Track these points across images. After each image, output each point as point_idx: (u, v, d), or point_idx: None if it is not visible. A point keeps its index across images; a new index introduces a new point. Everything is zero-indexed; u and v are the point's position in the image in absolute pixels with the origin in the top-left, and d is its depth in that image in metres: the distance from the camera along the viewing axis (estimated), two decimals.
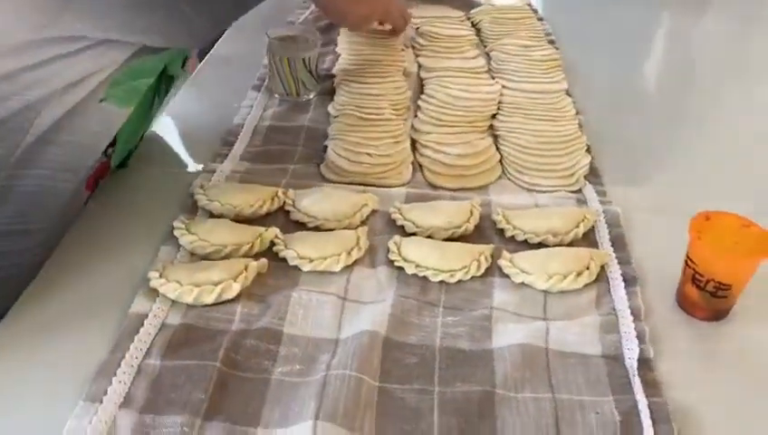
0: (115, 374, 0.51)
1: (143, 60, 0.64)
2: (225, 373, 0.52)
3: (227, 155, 0.78)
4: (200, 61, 1.03)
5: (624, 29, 1.24)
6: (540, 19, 1.19)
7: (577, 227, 0.67)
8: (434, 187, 0.77)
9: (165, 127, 0.85)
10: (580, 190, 0.76)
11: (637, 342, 0.56)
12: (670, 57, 1.22)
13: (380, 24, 1.03)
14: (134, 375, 0.51)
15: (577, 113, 0.90)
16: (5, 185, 0.62)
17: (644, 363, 0.55)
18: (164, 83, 0.74)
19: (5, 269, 0.65)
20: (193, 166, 0.78)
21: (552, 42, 1.11)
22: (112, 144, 0.70)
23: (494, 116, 0.89)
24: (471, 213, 0.69)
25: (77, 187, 0.67)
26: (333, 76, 0.96)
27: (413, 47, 1.07)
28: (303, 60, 0.88)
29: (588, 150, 0.83)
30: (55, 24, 0.55)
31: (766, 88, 1.05)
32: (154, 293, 0.59)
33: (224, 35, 1.05)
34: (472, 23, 1.16)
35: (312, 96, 0.92)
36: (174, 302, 0.58)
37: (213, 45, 1.06)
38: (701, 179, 0.81)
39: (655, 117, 0.96)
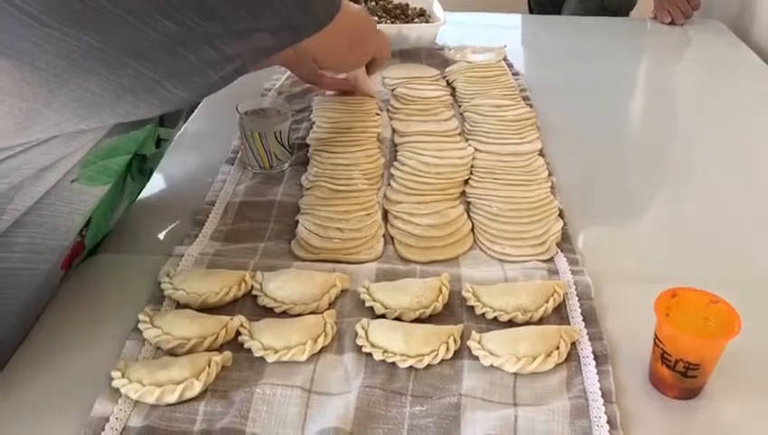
0: None
1: (114, 139, 0.64)
2: None
3: (197, 236, 0.78)
4: None
5: (601, 80, 1.26)
6: (515, 74, 1.21)
7: (546, 302, 0.67)
8: (405, 260, 0.76)
9: (138, 206, 0.85)
10: (551, 259, 0.75)
11: (607, 427, 0.55)
12: (648, 108, 1.22)
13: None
14: None
15: (550, 175, 0.90)
16: None
17: None
18: (136, 163, 0.74)
19: None
20: (164, 249, 0.77)
21: (526, 98, 1.12)
22: (86, 224, 0.70)
23: (467, 181, 0.89)
24: (440, 291, 0.68)
25: (52, 267, 0.67)
26: (308, 145, 0.96)
27: (387, 110, 1.07)
28: (275, 133, 0.89)
29: (560, 214, 0.82)
30: (35, 124, 0.55)
31: (746, 145, 1.05)
32: (117, 392, 0.58)
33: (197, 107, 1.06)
34: (447, 81, 1.17)
35: (285, 167, 0.92)
36: (137, 402, 0.57)
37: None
38: (676, 245, 0.80)
39: (631, 174, 0.96)
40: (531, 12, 1.80)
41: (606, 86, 1.23)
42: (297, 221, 0.80)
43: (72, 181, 0.64)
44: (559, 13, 1.67)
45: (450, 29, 1.31)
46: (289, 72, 1.16)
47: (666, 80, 1.32)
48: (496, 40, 1.33)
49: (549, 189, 0.86)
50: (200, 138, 1.04)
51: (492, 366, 0.61)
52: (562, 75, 1.27)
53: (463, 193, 0.87)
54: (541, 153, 0.95)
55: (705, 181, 0.95)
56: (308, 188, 0.86)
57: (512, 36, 1.47)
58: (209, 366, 0.59)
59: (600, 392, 0.58)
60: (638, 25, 1.53)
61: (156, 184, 0.90)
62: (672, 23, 1.48)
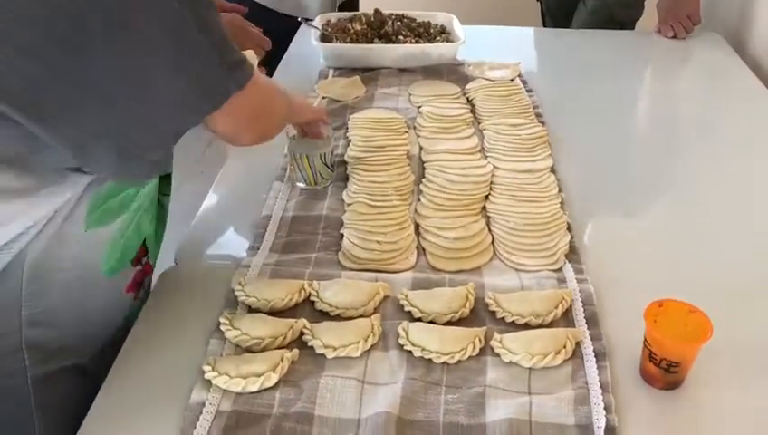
0: None
1: (103, 188, 0.74)
2: None
3: (259, 248, 0.92)
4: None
5: (608, 94, 1.37)
6: (529, 91, 1.33)
7: (556, 308, 0.80)
8: (435, 269, 0.90)
9: (203, 220, 0.99)
10: (560, 269, 0.89)
11: (604, 413, 0.69)
12: (651, 123, 1.34)
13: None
14: None
15: (560, 191, 1.03)
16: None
17: (610, 432, 0.67)
18: (161, 192, 0.85)
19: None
20: (231, 259, 0.90)
21: (539, 114, 1.24)
22: (146, 251, 0.83)
23: (487, 196, 1.02)
24: (467, 298, 0.82)
25: (107, 294, 0.80)
26: (345, 163, 1.09)
27: (414, 127, 1.20)
28: (320, 155, 1.02)
29: (569, 228, 0.95)
30: None
31: (739, 160, 1.16)
32: (208, 382, 0.72)
33: None
34: (467, 98, 1.30)
35: (328, 184, 1.05)
36: (225, 390, 0.71)
37: None
38: (668, 258, 0.93)
39: (633, 189, 1.08)
40: (544, 21, 1.91)
41: (611, 100, 1.35)
42: (342, 234, 0.94)
43: (86, 230, 0.74)
44: (570, 22, 1.78)
45: (468, 42, 1.42)
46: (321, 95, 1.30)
47: (667, 94, 1.43)
48: (511, 53, 1.45)
49: (559, 205, 0.99)
50: (250, 154, 1.16)
51: (510, 362, 0.75)
52: (572, 89, 1.39)
53: (483, 208, 1.00)
54: (552, 170, 1.08)
55: (701, 199, 1.06)
56: (349, 204, 1.00)
57: (525, 49, 1.59)
58: (282, 361, 0.73)
59: (599, 384, 0.72)
60: (643, 39, 1.64)
61: (215, 199, 1.04)
62: (674, 37, 1.59)
